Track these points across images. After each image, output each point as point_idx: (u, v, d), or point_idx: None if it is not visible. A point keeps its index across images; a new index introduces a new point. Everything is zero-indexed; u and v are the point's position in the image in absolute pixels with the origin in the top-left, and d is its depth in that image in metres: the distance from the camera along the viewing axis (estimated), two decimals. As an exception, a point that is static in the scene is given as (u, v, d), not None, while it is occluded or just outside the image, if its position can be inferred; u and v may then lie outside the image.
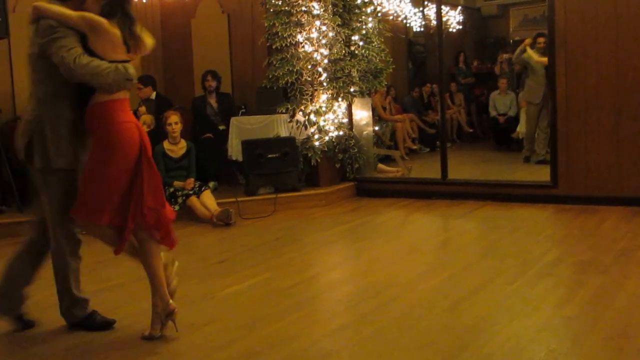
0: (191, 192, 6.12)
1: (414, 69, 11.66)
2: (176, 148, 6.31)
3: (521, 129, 8.78)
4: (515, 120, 9.28)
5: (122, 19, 3.20)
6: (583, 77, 5.78)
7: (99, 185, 3.15)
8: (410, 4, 10.43)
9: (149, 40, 3.33)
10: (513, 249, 4.56)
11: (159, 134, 6.40)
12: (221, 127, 7.31)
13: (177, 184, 6.17)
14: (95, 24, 3.14)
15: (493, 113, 9.70)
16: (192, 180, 6.21)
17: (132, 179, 3.20)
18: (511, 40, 12.11)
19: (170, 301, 3.24)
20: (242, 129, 6.99)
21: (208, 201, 6.06)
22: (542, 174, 6.30)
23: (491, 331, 3.08)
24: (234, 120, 7.05)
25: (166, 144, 6.28)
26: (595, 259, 4.16)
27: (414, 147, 9.79)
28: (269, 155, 6.58)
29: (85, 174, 3.21)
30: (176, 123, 6.24)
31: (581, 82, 5.79)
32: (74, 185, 3.26)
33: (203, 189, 6.16)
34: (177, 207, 6.05)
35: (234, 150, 6.95)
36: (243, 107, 7.39)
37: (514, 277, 3.87)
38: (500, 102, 9.64)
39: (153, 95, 7.18)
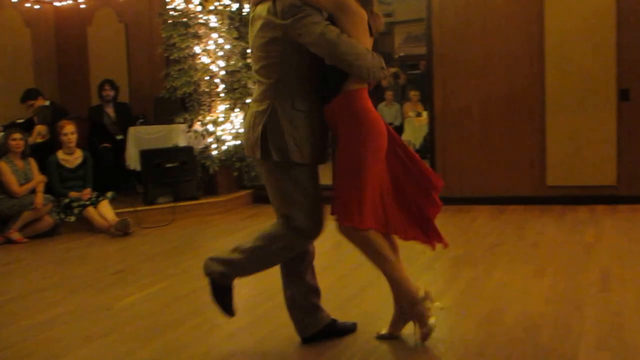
0: (88, 203, 5.85)
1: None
2: (71, 158, 6.02)
3: (406, 137, 9.17)
4: (399, 129, 9.65)
5: None
6: (457, 90, 6.12)
7: (358, 182, 2.67)
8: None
9: (382, 21, 2.88)
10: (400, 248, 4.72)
11: (53, 143, 6.08)
12: (119, 137, 7.06)
13: (73, 194, 5.89)
14: (345, 3, 2.65)
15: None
16: (88, 190, 5.95)
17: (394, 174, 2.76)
18: (396, 56, 12.60)
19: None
20: (140, 138, 6.78)
21: (105, 211, 5.82)
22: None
23: (376, 325, 3.17)
24: (131, 130, 6.83)
25: (61, 154, 5.98)
26: (468, 253, 4.42)
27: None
28: (168, 165, 6.43)
29: (339, 171, 2.75)
30: (72, 133, 5.97)
31: (455, 95, 6.13)
32: (314, 181, 2.82)
33: (100, 199, 5.92)
34: (73, 218, 5.78)
35: (132, 160, 6.73)
36: (141, 117, 7.18)
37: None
38: (386, 113, 9.99)
39: (47, 102, 6.82)
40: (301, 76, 2.76)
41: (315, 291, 3.03)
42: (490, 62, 5.99)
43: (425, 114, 8.32)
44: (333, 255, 4.77)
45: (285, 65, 2.73)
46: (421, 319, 2.84)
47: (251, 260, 2.95)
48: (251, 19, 2.86)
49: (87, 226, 5.82)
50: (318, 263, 4.47)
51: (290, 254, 2.93)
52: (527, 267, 3.97)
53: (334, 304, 3.51)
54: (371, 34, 2.81)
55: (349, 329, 3.08)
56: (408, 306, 2.84)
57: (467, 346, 2.87)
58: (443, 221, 5.48)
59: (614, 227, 4.90)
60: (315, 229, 2.86)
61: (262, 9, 2.75)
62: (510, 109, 5.96)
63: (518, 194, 5.97)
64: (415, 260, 4.26)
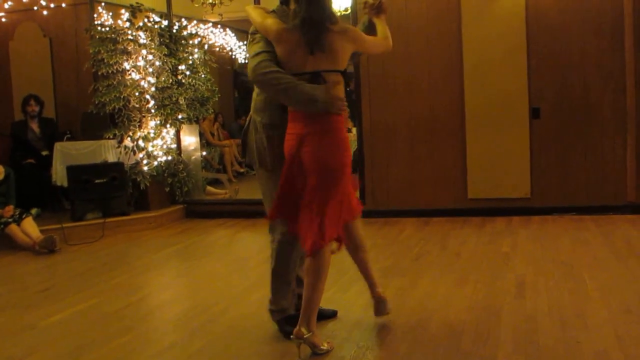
0: (10, 220, 5.57)
1: (239, 98, 11.78)
2: (-7, 175, 5.71)
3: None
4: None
5: (305, 22, 2.80)
6: (383, 108, 6.28)
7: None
8: (235, 37, 10.56)
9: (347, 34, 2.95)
10: (333, 259, 4.76)
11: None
12: (44, 153, 6.78)
13: (-5, 211, 5.59)
14: (272, 33, 2.82)
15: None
16: (11, 207, 5.66)
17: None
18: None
19: None
20: (67, 154, 6.53)
21: (29, 228, 5.56)
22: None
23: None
24: (58, 146, 6.57)
25: (-19, 171, 5.66)
26: (396, 263, 4.51)
27: (241, 170, 9.85)
28: (97, 181, 6.23)
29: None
30: (-7, 149, 5.66)
31: (382, 113, 6.29)
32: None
33: (24, 216, 5.64)
34: (-6, 236, 5.47)
35: (59, 176, 6.47)
36: (68, 132, 6.92)
37: (330, 285, 4.04)
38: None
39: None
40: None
41: (301, 282, 3.23)
42: (414, 83, 6.19)
43: (354, 130, 8.48)
44: (265, 268, 4.75)
45: None
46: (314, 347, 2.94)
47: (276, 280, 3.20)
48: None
49: (10, 244, 5.52)
50: (250, 276, 4.46)
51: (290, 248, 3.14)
52: (450, 276, 4.10)
53: (266, 316, 3.50)
54: (324, 51, 2.84)
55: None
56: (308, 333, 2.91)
57: (394, 353, 2.93)
58: (372, 233, 5.65)
59: (528, 237, 5.15)
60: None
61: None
62: (433, 126, 6.17)
63: (441, 206, 6.17)
64: (345, 272, 4.30)
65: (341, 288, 3.98)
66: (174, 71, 6.83)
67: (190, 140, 7.32)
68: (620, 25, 5.62)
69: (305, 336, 2.88)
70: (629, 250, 4.53)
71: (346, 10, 8.20)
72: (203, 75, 7.20)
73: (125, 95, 6.43)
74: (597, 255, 4.44)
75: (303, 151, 2.87)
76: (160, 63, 6.63)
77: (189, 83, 6.97)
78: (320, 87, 2.81)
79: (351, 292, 3.89)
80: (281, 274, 3.18)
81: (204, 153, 8.34)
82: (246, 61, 11.38)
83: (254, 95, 3.11)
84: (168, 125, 6.74)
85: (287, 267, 3.17)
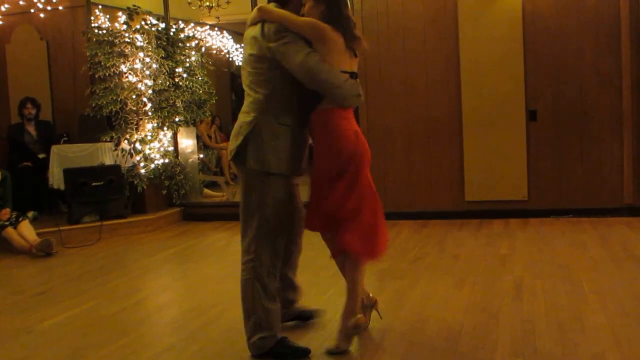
0: (7, 223, 5.55)
1: (237, 100, 11.78)
2: (-11, 177, 5.70)
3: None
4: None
5: (343, 23, 2.90)
6: (381, 110, 6.28)
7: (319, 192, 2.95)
8: (232, 40, 10.57)
9: (362, 42, 3.03)
10: (326, 263, 4.76)
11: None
12: (41, 156, 6.76)
13: (-9, 215, 5.57)
14: (321, 32, 2.84)
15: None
16: (7, 210, 5.65)
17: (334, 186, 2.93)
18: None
19: (359, 315, 2.97)
20: (64, 157, 6.52)
21: (26, 232, 5.54)
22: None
23: (307, 336, 3.18)
24: (54, 149, 6.56)
25: (-22, 174, 5.65)
26: (393, 266, 4.51)
27: (239, 172, 9.84)
28: (94, 183, 6.22)
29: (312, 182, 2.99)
30: (-10, 152, 5.65)
31: (380, 115, 6.29)
32: (288, 192, 2.98)
33: (20, 219, 5.63)
34: (-9, 239, 5.45)
35: (56, 179, 6.46)
36: (65, 135, 6.91)
37: (327, 288, 4.05)
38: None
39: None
40: (286, 92, 2.92)
41: (293, 287, 3.30)
42: (411, 85, 6.20)
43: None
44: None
45: (270, 82, 2.90)
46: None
47: (246, 305, 3.01)
48: (244, 39, 3.01)
49: (6, 247, 5.51)
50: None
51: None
52: (448, 279, 4.10)
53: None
54: (355, 55, 3.01)
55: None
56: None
57: (391, 355, 2.93)
58: (369, 236, 5.63)
59: (525, 239, 5.15)
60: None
61: (253, 29, 2.93)
62: (431, 129, 6.18)
63: (439, 209, 6.18)
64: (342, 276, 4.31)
65: (339, 290, 3.97)
66: (171, 74, 6.83)
67: (187, 142, 7.32)
68: (616, 27, 5.64)
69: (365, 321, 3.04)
70: (626, 252, 4.53)
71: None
72: (200, 78, 7.20)
73: (122, 97, 6.43)
74: (595, 257, 4.45)
75: (362, 144, 2.99)
76: (158, 66, 6.63)
77: (186, 86, 6.97)
78: (358, 83, 3.02)
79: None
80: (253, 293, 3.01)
81: (201, 156, 8.33)
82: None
83: (259, 97, 2.91)
84: (165, 128, 6.74)
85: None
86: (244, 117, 2.96)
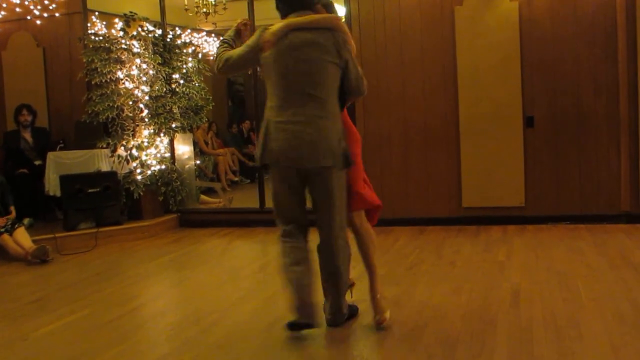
0: (2, 230, 5.54)
1: (233, 107, 11.79)
2: (-15, 184, 5.69)
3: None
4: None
5: None
6: (378, 116, 6.30)
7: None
8: (229, 46, 10.57)
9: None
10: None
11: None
12: (37, 162, 6.76)
13: (-13, 221, 5.56)
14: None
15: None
16: (5, 219, 5.63)
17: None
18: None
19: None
20: (60, 163, 6.52)
21: (22, 239, 5.53)
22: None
23: (304, 346, 3.18)
24: (51, 155, 6.56)
25: (-27, 180, 5.64)
26: (390, 272, 4.51)
27: (235, 179, 9.86)
28: (90, 190, 6.21)
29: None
30: (-15, 158, 5.64)
31: (376, 121, 6.31)
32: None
33: (16, 226, 5.61)
34: (-14, 247, 5.44)
35: (52, 186, 6.45)
36: (61, 141, 6.90)
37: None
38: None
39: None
40: (338, 94, 3.30)
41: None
42: (408, 92, 6.23)
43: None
44: (260, 277, 4.75)
45: (335, 83, 3.23)
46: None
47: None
48: (297, 42, 3.18)
49: (1, 254, 5.50)
50: (244, 286, 4.44)
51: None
52: (445, 285, 4.11)
53: (260, 326, 3.50)
54: None
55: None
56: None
57: (389, 363, 2.93)
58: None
59: (523, 246, 5.16)
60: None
61: (315, 35, 3.17)
62: (428, 135, 6.20)
63: (436, 215, 6.18)
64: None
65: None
66: (168, 80, 6.84)
67: (184, 149, 7.32)
68: (613, 35, 5.68)
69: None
70: (624, 259, 4.54)
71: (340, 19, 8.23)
72: (197, 84, 7.21)
73: (119, 104, 6.44)
74: (592, 264, 4.46)
75: None
76: (154, 72, 6.64)
77: (183, 92, 6.98)
78: None
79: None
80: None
81: (198, 162, 8.34)
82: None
83: (334, 100, 3.23)
84: (162, 134, 6.74)
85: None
86: (331, 122, 3.20)
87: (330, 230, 3.27)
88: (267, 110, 3.28)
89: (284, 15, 3.29)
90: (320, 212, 3.29)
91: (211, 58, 9.98)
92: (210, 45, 9.99)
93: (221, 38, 3.53)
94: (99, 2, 7.20)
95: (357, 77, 3.27)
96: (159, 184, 6.77)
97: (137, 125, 6.59)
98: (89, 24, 6.86)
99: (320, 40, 3.16)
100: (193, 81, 7.16)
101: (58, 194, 6.37)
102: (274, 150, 3.21)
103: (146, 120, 6.61)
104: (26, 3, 7.07)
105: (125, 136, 6.51)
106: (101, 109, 6.33)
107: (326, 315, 3.38)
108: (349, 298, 3.55)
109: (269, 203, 6.83)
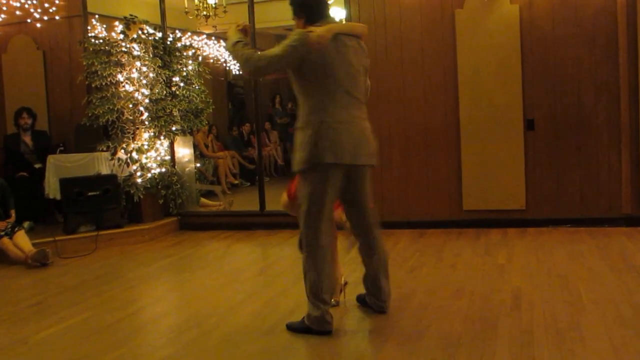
0: (2, 233, 5.54)
1: (233, 109, 11.81)
2: (-15, 187, 5.69)
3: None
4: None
5: None
6: (379, 119, 6.29)
7: None
8: (229, 49, 10.59)
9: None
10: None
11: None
12: (37, 166, 6.76)
13: (-13, 225, 5.56)
14: None
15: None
16: (5, 223, 5.63)
17: None
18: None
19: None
20: (60, 167, 6.52)
21: (22, 242, 5.53)
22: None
23: (306, 349, 3.18)
24: (51, 159, 6.56)
25: (-27, 184, 5.65)
26: (391, 275, 4.42)
27: (235, 181, 9.86)
28: (90, 193, 6.21)
29: None
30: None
31: (377, 124, 6.28)
32: None
33: (16, 229, 5.62)
34: (-14, 250, 5.44)
35: (52, 189, 6.45)
36: (61, 145, 6.91)
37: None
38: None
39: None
40: None
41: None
42: (408, 94, 6.23)
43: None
44: (260, 280, 4.75)
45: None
46: None
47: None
48: (343, 46, 3.35)
49: (2, 258, 5.50)
50: (244, 289, 4.44)
51: None
52: (446, 288, 4.11)
53: (260, 329, 3.50)
54: None
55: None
56: None
57: (390, 367, 2.93)
58: (366, 246, 5.62)
59: (523, 249, 5.16)
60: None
61: (354, 41, 3.43)
62: (428, 138, 6.20)
63: (437, 218, 6.19)
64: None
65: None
66: (168, 83, 6.85)
67: (184, 152, 7.33)
68: (614, 37, 5.69)
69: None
70: (625, 262, 4.54)
71: (341, 21, 8.25)
72: (197, 87, 7.22)
73: (119, 107, 6.44)
74: (593, 267, 4.46)
75: None
76: (154, 75, 6.65)
77: (183, 95, 6.99)
78: None
79: (345, 305, 3.88)
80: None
81: (198, 165, 8.34)
82: (239, 72, 11.45)
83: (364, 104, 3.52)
84: (162, 137, 6.75)
85: None
86: (369, 124, 3.50)
87: (372, 226, 3.54)
88: (308, 111, 3.30)
89: (310, 22, 3.35)
90: (362, 210, 3.50)
91: (211, 61, 10.00)
92: (211, 48, 10.01)
93: (234, 41, 3.41)
94: (99, 5, 7.21)
95: (368, 83, 3.56)
96: (159, 187, 6.77)
97: (137, 128, 6.59)
98: (89, 27, 6.87)
99: (357, 46, 3.44)
100: (193, 84, 7.17)
101: (58, 197, 6.37)
102: (326, 149, 3.23)
103: (146, 123, 6.62)
104: (26, 6, 7.08)
105: (125, 139, 6.52)
106: (101, 112, 6.34)
107: (380, 304, 3.61)
108: (341, 297, 3.58)
109: (269, 206, 6.91)
